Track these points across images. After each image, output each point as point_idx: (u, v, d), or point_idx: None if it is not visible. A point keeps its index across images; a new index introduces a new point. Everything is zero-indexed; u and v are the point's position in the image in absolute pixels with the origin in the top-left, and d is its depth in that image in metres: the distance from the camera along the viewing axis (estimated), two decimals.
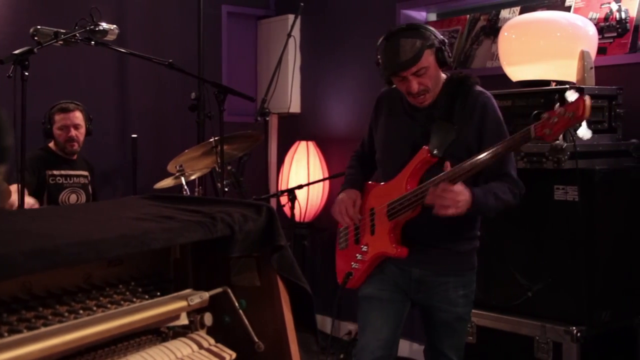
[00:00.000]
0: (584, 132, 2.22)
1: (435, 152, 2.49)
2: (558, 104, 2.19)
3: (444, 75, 2.61)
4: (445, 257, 2.57)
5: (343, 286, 2.71)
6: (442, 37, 2.55)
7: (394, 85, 2.62)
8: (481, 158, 2.37)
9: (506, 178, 2.51)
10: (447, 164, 2.39)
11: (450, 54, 2.56)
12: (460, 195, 2.34)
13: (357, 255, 2.68)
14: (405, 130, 2.62)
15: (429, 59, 2.48)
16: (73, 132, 3.92)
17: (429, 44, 2.47)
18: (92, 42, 3.09)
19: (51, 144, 3.98)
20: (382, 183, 2.67)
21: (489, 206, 2.43)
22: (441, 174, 2.39)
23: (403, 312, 2.66)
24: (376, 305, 2.64)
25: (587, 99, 2.17)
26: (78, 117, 3.94)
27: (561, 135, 2.33)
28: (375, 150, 2.77)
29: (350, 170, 2.85)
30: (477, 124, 2.52)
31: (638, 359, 3.25)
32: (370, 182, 2.75)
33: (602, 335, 3.09)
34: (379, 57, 2.56)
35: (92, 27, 3.09)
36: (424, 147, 2.51)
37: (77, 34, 3.03)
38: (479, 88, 2.59)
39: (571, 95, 2.20)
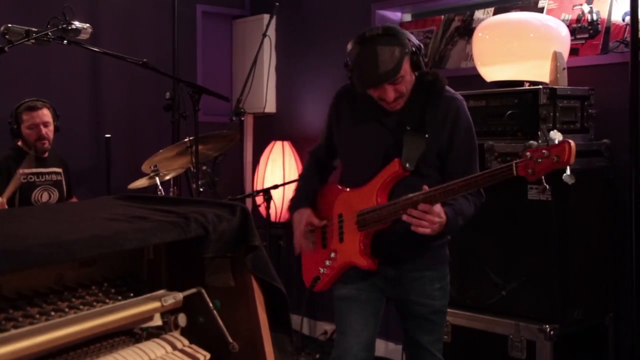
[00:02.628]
0: (567, 178, 2.18)
1: (407, 165, 2.45)
2: (539, 141, 2.15)
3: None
4: (417, 255, 2.57)
5: (310, 290, 2.68)
6: (417, 41, 2.49)
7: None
8: (456, 185, 2.32)
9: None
10: (425, 187, 2.35)
11: (425, 59, 2.52)
12: (437, 218, 2.33)
13: (326, 261, 2.65)
14: (374, 138, 2.55)
15: (405, 66, 2.41)
16: (43, 130, 3.86)
17: (406, 50, 2.40)
18: (65, 41, 3.05)
19: (20, 143, 3.92)
20: (349, 189, 2.62)
21: (458, 226, 2.45)
22: (418, 194, 2.35)
23: (380, 310, 2.66)
24: (355, 306, 2.62)
25: (572, 143, 2.12)
26: (46, 114, 3.89)
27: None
28: (332, 151, 2.73)
29: (305, 180, 2.80)
30: (449, 130, 2.49)
31: (609, 356, 3.29)
32: (336, 185, 2.69)
33: (575, 333, 3.13)
34: (349, 62, 2.46)
35: (64, 25, 3.05)
36: (396, 160, 2.47)
37: (50, 33, 2.99)
38: (449, 92, 2.55)
39: (555, 135, 2.15)
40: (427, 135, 2.47)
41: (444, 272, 2.64)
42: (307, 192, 2.75)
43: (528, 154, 2.18)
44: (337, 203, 2.65)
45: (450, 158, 2.50)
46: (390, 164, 2.48)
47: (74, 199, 4.19)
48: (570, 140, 2.14)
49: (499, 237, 3.22)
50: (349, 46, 2.48)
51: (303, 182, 2.82)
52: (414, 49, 2.44)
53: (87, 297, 1.70)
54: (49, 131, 3.90)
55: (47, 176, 3.96)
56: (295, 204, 2.75)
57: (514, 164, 2.21)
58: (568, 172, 2.18)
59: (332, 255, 2.63)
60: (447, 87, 2.57)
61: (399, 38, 2.40)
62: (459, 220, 2.43)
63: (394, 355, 4.12)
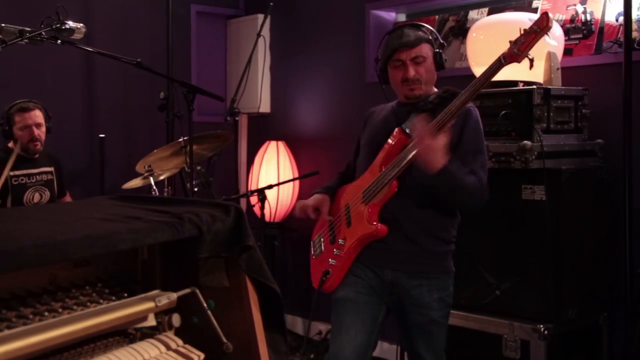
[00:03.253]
0: (548, 39, 2.36)
1: (408, 130, 2.49)
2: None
3: (435, 89, 2.66)
4: (415, 257, 2.55)
5: (320, 287, 2.64)
6: (442, 41, 2.68)
7: (383, 91, 2.71)
8: (461, 97, 2.39)
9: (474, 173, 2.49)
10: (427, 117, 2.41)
11: (445, 59, 2.66)
12: (442, 143, 2.33)
13: (335, 250, 2.64)
14: (385, 126, 2.64)
15: (428, 52, 2.60)
16: (35, 132, 3.85)
17: (430, 38, 2.61)
18: (59, 41, 3.04)
19: (11, 144, 3.91)
20: (353, 183, 2.67)
21: (455, 175, 2.39)
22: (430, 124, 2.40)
23: (379, 316, 2.61)
24: (352, 308, 2.58)
25: (549, 13, 2.33)
26: (38, 115, 3.88)
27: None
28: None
29: (330, 182, 2.86)
30: (458, 127, 2.50)
31: (603, 356, 3.30)
32: (345, 186, 2.74)
33: (569, 333, 3.14)
34: (379, 51, 2.69)
35: (58, 25, 3.04)
36: (397, 128, 2.54)
37: (43, 33, 2.98)
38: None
39: (535, 16, 2.30)
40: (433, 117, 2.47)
41: (444, 283, 2.60)
42: (325, 187, 2.82)
43: (511, 40, 2.35)
44: (344, 197, 2.70)
45: (457, 151, 2.47)
46: (393, 134, 2.55)
47: (68, 197, 4.18)
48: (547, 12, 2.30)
49: (493, 237, 3.23)
50: (380, 40, 2.72)
51: (332, 181, 2.87)
52: (436, 43, 2.64)
53: (81, 297, 1.69)
54: (41, 132, 3.89)
55: (37, 177, 3.94)
56: (322, 188, 2.81)
57: (500, 57, 2.37)
58: (549, 39, 2.30)
59: (341, 242, 2.62)
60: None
61: (424, 29, 2.64)
62: (460, 169, 2.40)
63: (388, 355, 4.12)
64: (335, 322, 2.63)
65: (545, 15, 2.30)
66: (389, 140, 2.55)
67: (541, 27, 2.28)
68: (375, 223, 2.53)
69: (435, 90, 2.67)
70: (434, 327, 2.59)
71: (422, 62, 2.58)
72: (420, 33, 2.60)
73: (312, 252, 2.78)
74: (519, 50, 2.32)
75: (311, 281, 2.76)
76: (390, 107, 2.74)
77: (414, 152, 2.42)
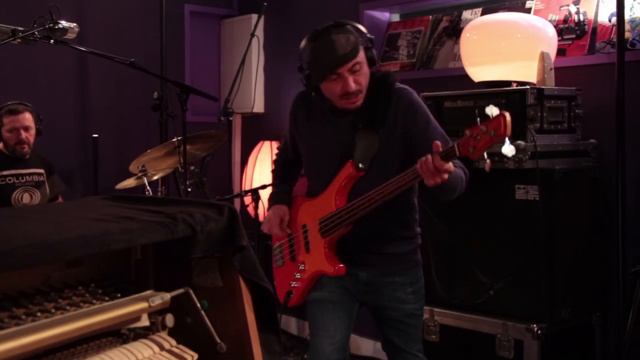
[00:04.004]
0: (507, 149, 2.14)
1: (360, 165, 2.43)
2: (478, 119, 2.14)
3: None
4: (387, 260, 2.55)
5: (285, 305, 2.67)
6: (369, 35, 2.44)
7: (313, 94, 2.51)
8: (402, 179, 2.30)
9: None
10: (437, 143, 2.23)
11: (375, 54, 2.44)
12: (445, 175, 2.23)
13: (296, 274, 2.65)
14: (328, 141, 2.53)
15: (362, 55, 2.37)
16: (23, 135, 3.83)
17: (361, 39, 2.37)
18: (52, 41, 3.04)
19: (1, 145, 3.89)
20: (310, 198, 2.63)
21: (453, 186, 2.36)
22: (374, 191, 2.33)
23: (353, 312, 2.65)
24: (328, 308, 2.60)
25: (507, 115, 2.10)
26: (27, 118, 3.86)
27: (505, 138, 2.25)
28: (299, 153, 2.71)
29: (276, 182, 2.80)
30: (405, 124, 2.44)
31: (596, 355, 3.31)
32: (299, 197, 2.70)
33: (562, 332, 3.14)
34: (303, 61, 2.43)
35: (51, 25, 3.04)
36: (349, 162, 2.45)
37: (36, 32, 2.97)
38: (399, 85, 2.50)
39: (490, 110, 2.13)
40: (380, 131, 2.43)
41: (416, 275, 2.62)
42: (279, 195, 2.75)
43: (467, 132, 2.17)
44: (300, 214, 2.65)
45: (419, 147, 2.38)
46: (345, 167, 2.47)
47: (60, 199, 4.17)
48: (506, 113, 2.11)
49: (487, 237, 3.23)
50: (302, 45, 2.44)
51: (274, 185, 2.81)
52: (366, 41, 2.40)
53: (74, 297, 1.69)
54: (29, 135, 3.87)
55: (27, 177, 3.92)
56: (273, 199, 2.76)
57: (456, 145, 2.18)
58: (507, 144, 2.14)
59: (301, 267, 2.63)
60: (398, 83, 2.51)
61: (351, 28, 2.38)
62: (457, 181, 2.36)
63: (382, 354, 4.12)
64: (312, 322, 2.66)
65: (502, 120, 2.09)
66: (342, 173, 2.47)
67: (498, 134, 2.10)
68: (333, 264, 2.52)
69: None
70: (411, 319, 2.61)
71: (359, 70, 2.37)
72: (351, 37, 2.34)
73: (274, 261, 2.78)
74: (474, 149, 2.15)
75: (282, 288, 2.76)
76: (322, 111, 2.55)
77: (383, 198, 2.35)
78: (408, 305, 2.58)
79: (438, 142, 2.23)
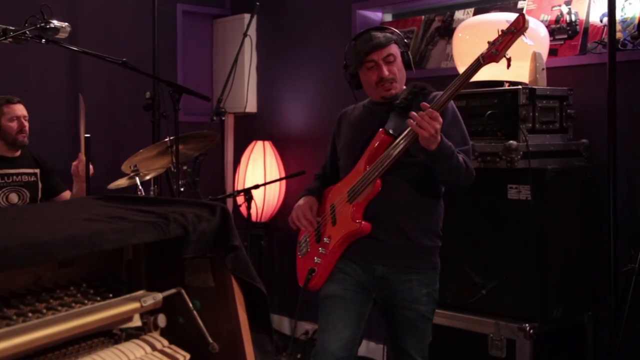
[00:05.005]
0: (527, 40, 2.37)
1: (391, 131, 2.53)
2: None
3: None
4: (407, 252, 2.58)
5: (305, 285, 2.67)
6: (406, 41, 2.72)
7: (355, 97, 2.73)
8: (447, 92, 2.47)
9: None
10: (424, 104, 2.42)
11: (411, 59, 2.69)
12: (437, 124, 2.37)
13: (320, 249, 2.66)
14: (364, 126, 2.67)
15: (397, 51, 2.63)
16: (25, 123, 3.85)
17: (397, 39, 2.64)
18: (43, 40, 3.03)
19: None
20: (339, 184, 2.69)
21: (445, 157, 2.43)
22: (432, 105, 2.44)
23: (365, 312, 2.65)
24: (339, 304, 2.61)
25: (526, 14, 2.37)
26: (24, 109, 3.88)
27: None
28: (337, 167, 2.79)
29: (310, 184, 2.87)
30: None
31: (588, 354, 3.32)
32: (329, 187, 2.76)
33: (554, 332, 3.15)
34: (347, 58, 2.69)
35: (42, 24, 3.02)
36: (380, 130, 2.57)
37: (27, 32, 2.96)
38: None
39: (512, 16, 2.36)
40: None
41: (432, 278, 2.65)
42: (311, 189, 2.83)
43: (488, 42, 2.39)
44: (329, 197, 2.72)
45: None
46: (376, 135, 2.58)
47: (67, 194, 4.11)
48: (524, 13, 2.33)
49: (479, 237, 3.24)
50: (347, 47, 2.71)
51: (308, 186, 2.88)
52: (402, 44, 2.67)
53: (65, 298, 1.68)
54: (27, 126, 3.88)
55: (15, 177, 3.89)
56: (305, 192, 2.82)
57: (480, 57, 2.41)
58: (526, 39, 2.37)
59: (326, 240, 2.65)
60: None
61: (389, 30, 2.67)
62: (446, 150, 2.43)
63: (374, 354, 4.12)
64: (322, 318, 2.66)
65: (521, 16, 2.34)
66: (373, 141, 2.58)
67: (518, 28, 2.33)
68: (358, 221, 2.56)
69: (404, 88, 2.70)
70: (422, 322, 2.63)
71: (393, 61, 2.61)
72: (388, 34, 2.64)
73: (299, 252, 2.80)
74: (496, 50, 2.36)
75: (297, 280, 2.76)
76: (363, 107, 2.76)
77: (399, 149, 2.48)
78: (422, 306, 2.60)
79: (425, 104, 2.41)
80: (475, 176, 2.58)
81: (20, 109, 3.85)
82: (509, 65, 2.38)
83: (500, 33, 2.37)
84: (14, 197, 3.87)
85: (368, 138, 2.61)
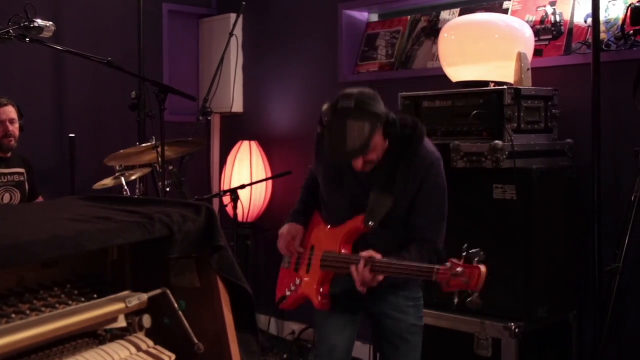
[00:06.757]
0: (470, 304, 2.22)
1: (370, 224, 2.49)
2: (464, 254, 2.24)
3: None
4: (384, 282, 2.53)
5: (277, 306, 2.74)
6: (389, 115, 2.41)
7: None
8: (396, 269, 2.37)
9: (427, 245, 2.49)
10: (374, 253, 2.38)
11: (396, 121, 2.42)
12: (374, 282, 2.39)
13: (292, 285, 2.71)
14: (346, 185, 2.57)
15: (377, 139, 2.37)
16: (10, 128, 3.81)
17: (378, 123, 2.36)
18: (27, 39, 3.00)
19: None
20: (325, 226, 2.66)
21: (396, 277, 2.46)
22: (369, 259, 2.38)
23: (357, 318, 2.70)
24: (331, 315, 2.66)
25: (483, 271, 2.18)
26: (12, 111, 3.84)
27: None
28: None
29: (300, 200, 2.81)
30: (418, 188, 2.48)
31: (573, 352, 3.34)
32: (318, 216, 2.72)
33: (540, 331, 3.17)
34: (323, 123, 2.45)
35: (26, 23, 3.00)
36: (359, 217, 2.50)
37: (11, 31, 2.94)
38: (427, 148, 2.51)
39: (474, 255, 2.21)
40: (394, 196, 2.47)
41: (417, 293, 2.67)
42: (298, 213, 2.75)
43: (448, 264, 2.25)
44: (314, 235, 2.70)
45: (414, 213, 2.49)
46: (355, 219, 2.53)
47: (40, 199, 4.12)
48: (482, 267, 2.19)
49: (465, 236, 3.22)
50: (324, 108, 2.46)
51: (298, 202, 2.81)
52: (387, 118, 2.40)
53: (50, 299, 1.67)
54: (15, 129, 3.84)
55: (9, 177, 3.88)
56: (293, 215, 2.75)
57: (435, 269, 2.27)
58: (475, 297, 2.21)
59: (297, 282, 2.68)
60: (426, 141, 2.53)
61: (370, 111, 2.36)
62: (393, 276, 2.44)
63: (361, 354, 4.13)
64: (317, 329, 2.75)
65: (477, 273, 2.19)
66: (352, 227, 2.53)
67: (470, 285, 2.19)
68: (320, 298, 2.58)
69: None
70: (411, 336, 2.63)
71: (371, 151, 2.38)
72: (366, 128, 2.31)
73: (283, 262, 2.80)
74: (447, 284, 2.23)
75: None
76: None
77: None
78: (409, 317, 2.61)
79: (372, 252, 2.37)
80: (443, 256, 2.49)
81: (7, 112, 3.80)
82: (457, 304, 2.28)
83: (459, 269, 2.21)
84: (7, 197, 3.85)
85: (351, 211, 2.52)
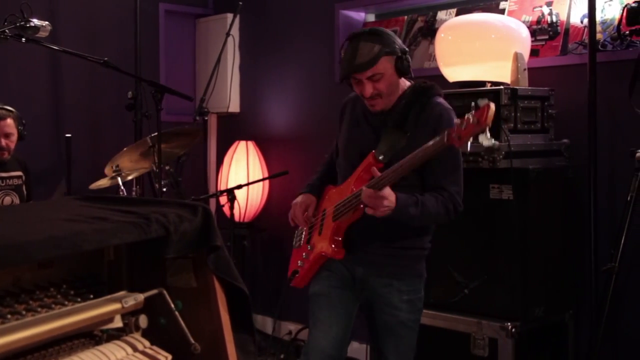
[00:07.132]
0: (483, 138, 2.20)
1: (381, 157, 2.49)
2: (473, 110, 2.17)
3: (407, 83, 2.59)
4: (386, 258, 2.56)
5: (288, 283, 2.72)
6: (403, 46, 2.53)
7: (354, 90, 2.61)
8: (402, 163, 2.36)
9: (442, 192, 2.48)
10: (375, 170, 2.39)
11: (409, 63, 2.52)
12: (384, 201, 2.35)
13: (304, 254, 2.69)
14: (359, 135, 2.63)
15: (386, 65, 2.46)
16: (3, 142, 3.76)
17: (388, 50, 2.45)
18: (23, 39, 3.00)
19: None
20: (336, 186, 2.70)
21: (410, 214, 2.41)
22: (372, 180, 2.40)
23: (353, 310, 2.65)
24: (325, 303, 2.63)
25: (492, 106, 2.16)
26: (9, 124, 3.78)
27: (478, 137, 2.30)
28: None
29: (314, 176, 2.84)
30: (430, 133, 2.44)
31: (569, 352, 3.34)
32: (330, 186, 2.75)
33: (536, 330, 3.17)
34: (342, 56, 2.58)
35: (22, 23, 3.00)
36: (371, 152, 2.52)
37: (7, 30, 2.94)
38: (439, 99, 2.57)
39: (481, 102, 2.19)
40: (408, 133, 2.49)
41: (415, 286, 2.61)
42: (311, 185, 2.79)
43: (457, 121, 2.24)
44: (325, 200, 2.71)
45: (428, 166, 2.45)
46: (367, 157, 2.54)
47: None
48: (491, 103, 2.16)
49: (462, 236, 3.25)
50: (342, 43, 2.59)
51: (319, 172, 2.85)
52: (398, 50, 2.48)
53: (45, 299, 1.67)
54: (9, 142, 3.80)
55: (8, 180, 3.87)
56: (307, 187, 2.79)
57: (445, 132, 2.27)
58: (487, 134, 2.19)
59: (309, 247, 2.67)
60: (440, 97, 2.58)
61: (382, 38, 2.48)
62: (410, 208, 2.40)
63: (358, 354, 4.13)
64: (311, 316, 2.69)
65: (485, 110, 2.16)
66: (363, 164, 2.54)
67: (480, 122, 2.17)
68: (334, 246, 2.57)
69: (408, 84, 2.61)
70: (402, 330, 2.59)
71: (380, 79, 2.47)
72: (376, 48, 2.44)
73: (294, 242, 2.81)
74: (459, 136, 2.22)
75: (280, 280, 2.79)
76: (363, 108, 2.64)
77: (383, 185, 2.41)
78: (401, 313, 2.57)
79: (375, 169, 2.39)
80: (460, 211, 2.52)
81: (2, 127, 3.70)
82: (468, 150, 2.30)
83: (466, 117, 2.20)
84: (7, 201, 3.84)
85: (361, 156, 2.56)
